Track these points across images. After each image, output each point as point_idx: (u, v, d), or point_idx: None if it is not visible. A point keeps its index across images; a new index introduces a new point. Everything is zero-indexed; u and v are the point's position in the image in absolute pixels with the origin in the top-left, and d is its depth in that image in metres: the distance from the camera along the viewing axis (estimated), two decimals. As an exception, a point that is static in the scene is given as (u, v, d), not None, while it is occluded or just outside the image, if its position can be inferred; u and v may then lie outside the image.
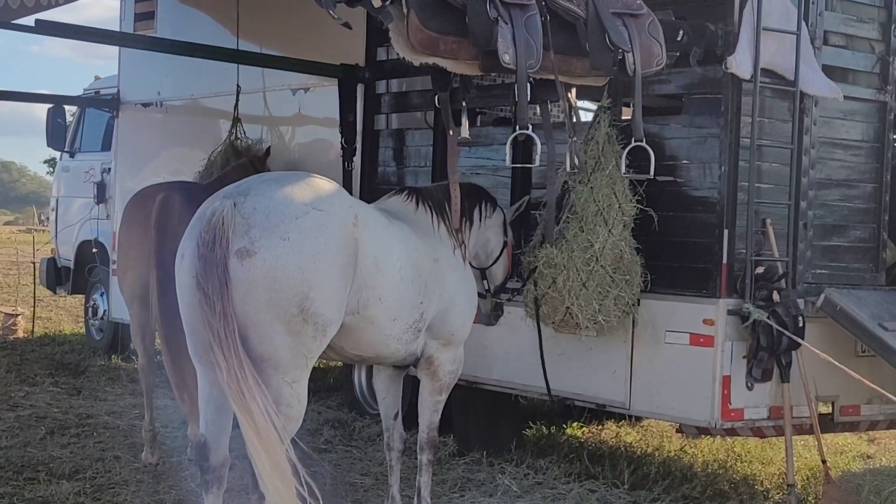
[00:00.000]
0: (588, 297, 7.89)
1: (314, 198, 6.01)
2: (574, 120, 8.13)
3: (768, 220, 7.99)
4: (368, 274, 6.21)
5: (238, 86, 11.58)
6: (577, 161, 7.88)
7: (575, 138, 8.04)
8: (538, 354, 8.50)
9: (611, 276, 7.90)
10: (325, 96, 10.77)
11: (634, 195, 7.99)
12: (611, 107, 8.21)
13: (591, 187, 7.99)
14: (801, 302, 7.93)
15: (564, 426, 10.82)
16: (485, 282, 7.80)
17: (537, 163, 7.34)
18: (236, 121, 11.57)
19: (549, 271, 7.96)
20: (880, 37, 8.71)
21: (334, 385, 11.73)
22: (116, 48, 14.12)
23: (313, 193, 6.06)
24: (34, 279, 17.74)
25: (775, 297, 7.72)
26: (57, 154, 16.72)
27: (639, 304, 8.05)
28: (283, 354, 5.80)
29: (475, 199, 7.53)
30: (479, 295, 7.64)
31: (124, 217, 9.34)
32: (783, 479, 8.40)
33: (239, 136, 11.55)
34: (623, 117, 8.33)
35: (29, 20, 9.98)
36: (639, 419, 10.84)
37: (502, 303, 8.14)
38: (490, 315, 8.06)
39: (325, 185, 6.25)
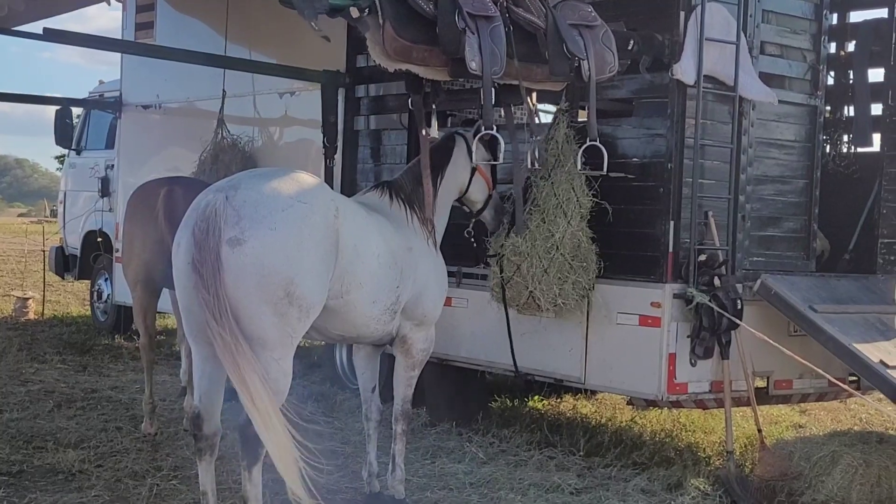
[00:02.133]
0: (549, 282, 7.89)
1: (299, 191, 6.01)
2: (535, 121, 8.13)
3: (710, 213, 8.00)
4: (349, 261, 6.20)
5: (224, 90, 11.55)
6: (537, 158, 7.90)
7: (536, 138, 8.05)
8: (504, 334, 8.51)
9: (570, 264, 7.91)
10: (308, 99, 10.74)
11: (590, 190, 8.00)
12: (569, 109, 8.21)
13: (552, 182, 7.98)
14: (739, 286, 7.96)
15: (526, 399, 10.82)
16: (465, 208, 7.71)
17: (501, 160, 7.36)
18: (221, 122, 11.54)
19: (515, 259, 7.96)
20: (812, 47, 8.74)
21: (318, 362, 11.70)
22: (119, 54, 14.04)
23: (298, 187, 6.05)
24: (44, 266, 17.67)
25: (716, 282, 7.75)
26: (65, 152, 16.61)
27: (594, 289, 8.06)
28: (271, 334, 5.79)
29: (434, 173, 7.27)
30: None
31: (129, 209, 9.28)
32: (723, 446, 8.42)
33: (224, 136, 11.52)
34: (579, 119, 8.33)
35: (37, 27, 9.90)
36: (593, 393, 10.85)
37: (472, 240, 7.97)
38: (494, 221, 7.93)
39: (308, 179, 6.24)
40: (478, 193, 7.64)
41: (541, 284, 7.91)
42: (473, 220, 7.80)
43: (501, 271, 8.08)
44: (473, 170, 7.49)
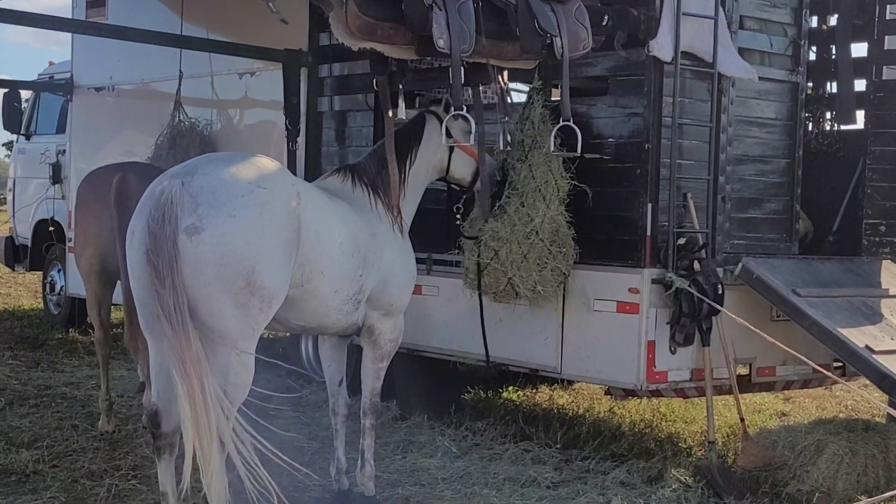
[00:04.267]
0: (528, 268, 7.92)
1: (258, 177, 5.99)
2: (507, 102, 8.13)
3: (689, 195, 8.03)
4: (311, 248, 6.19)
5: (181, 71, 11.49)
6: (509, 140, 7.89)
7: (507, 119, 8.05)
8: (477, 323, 8.52)
9: (548, 249, 7.93)
10: (270, 80, 10.70)
11: (567, 172, 8.01)
12: (542, 88, 8.20)
13: (530, 165, 7.98)
14: (720, 271, 8.00)
15: (501, 391, 10.84)
16: (454, 187, 7.72)
17: (471, 141, 7.36)
18: (178, 104, 11.48)
19: (493, 244, 7.97)
20: (793, 21, 8.77)
21: (283, 354, 11.67)
22: (70, 34, 13.93)
23: (257, 172, 6.03)
24: (-7, 257, 17.53)
25: (696, 266, 7.78)
26: (13, 137, 16.48)
27: (569, 275, 8.08)
28: (232, 326, 5.78)
29: (401, 156, 7.23)
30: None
31: (80, 196, 9.23)
32: (705, 436, 8.47)
33: (182, 119, 11.47)
34: (553, 98, 8.33)
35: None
36: (570, 383, 10.88)
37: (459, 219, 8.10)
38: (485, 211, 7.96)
39: (268, 164, 6.23)
40: (462, 170, 7.59)
41: (520, 271, 7.93)
42: (465, 195, 7.79)
43: (479, 256, 8.08)
44: (452, 148, 7.46)
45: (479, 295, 8.31)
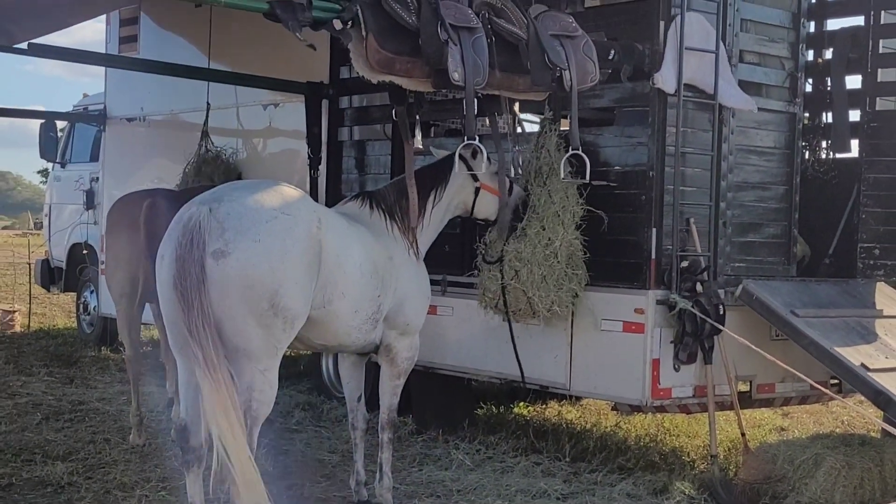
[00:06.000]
0: (547, 288, 7.93)
1: (282, 203, 6.02)
2: (519, 131, 8.16)
3: (692, 220, 8.03)
4: (332, 271, 6.22)
5: (208, 102, 11.56)
6: (519, 168, 7.92)
7: (517, 148, 8.08)
8: (488, 341, 8.53)
9: (565, 271, 7.94)
10: (293, 111, 10.75)
11: (581, 198, 8.02)
12: (553, 119, 8.24)
13: (549, 190, 8.01)
14: (721, 292, 7.99)
15: (512, 406, 10.83)
16: (479, 222, 7.73)
17: (483, 170, 7.39)
18: (204, 134, 11.54)
19: (516, 264, 7.98)
20: (790, 55, 8.79)
21: (304, 371, 11.69)
22: (103, 68, 14.02)
23: (281, 199, 6.06)
24: (30, 278, 17.58)
25: (699, 288, 7.78)
26: (49, 165, 16.56)
27: (579, 296, 8.09)
28: (256, 345, 5.81)
29: (426, 190, 7.29)
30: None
31: (110, 221, 9.26)
32: (707, 450, 8.44)
33: (208, 148, 11.51)
34: (562, 128, 8.35)
35: (23, 44, 9.88)
36: (578, 399, 10.85)
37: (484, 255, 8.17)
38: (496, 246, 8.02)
39: (291, 192, 6.26)
40: (487, 209, 7.62)
41: (539, 291, 7.94)
42: (490, 228, 7.82)
43: (502, 277, 8.09)
44: (478, 189, 7.51)
45: (508, 315, 8.29)
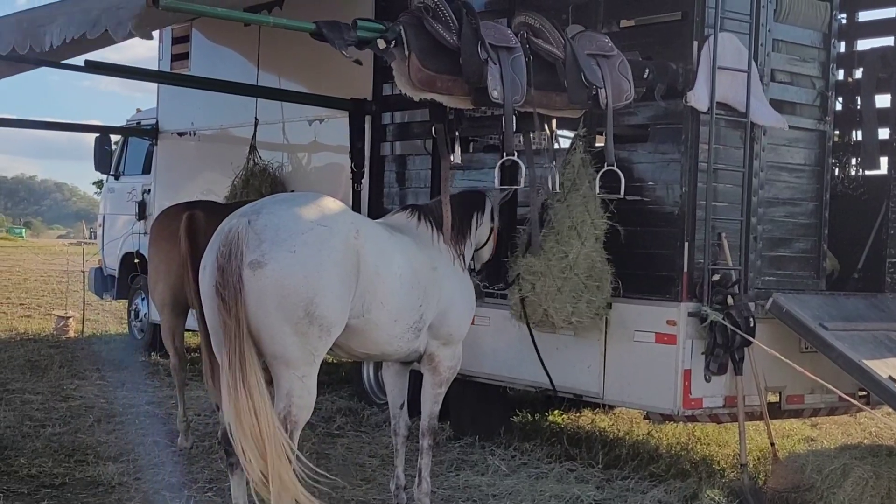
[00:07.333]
0: (563, 300, 7.90)
1: (319, 215, 6.04)
2: (555, 147, 8.16)
3: (723, 234, 7.99)
4: (370, 281, 6.20)
5: (256, 118, 11.65)
6: (557, 183, 7.92)
7: (555, 163, 8.07)
8: (523, 351, 8.51)
9: (583, 283, 7.91)
10: (337, 126, 10.79)
11: (606, 212, 8.00)
12: (586, 135, 8.23)
13: (567, 205, 8.00)
14: (752, 305, 7.93)
15: (547, 414, 10.80)
16: (472, 261, 7.70)
17: (522, 185, 7.40)
18: (253, 148, 11.61)
19: (530, 277, 7.98)
20: (821, 74, 8.73)
21: (346, 378, 11.71)
22: (156, 84, 14.14)
23: (319, 212, 6.07)
24: (84, 286, 17.75)
25: (729, 300, 7.72)
26: (104, 177, 16.72)
27: (611, 307, 8.05)
28: (293, 352, 5.83)
29: (469, 209, 7.42)
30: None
31: (153, 233, 9.31)
32: (737, 459, 8.39)
33: (256, 161, 11.58)
34: (597, 144, 8.35)
35: (79, 60, 9.99)
36: (611, 407, 10.82)
37: (485, 286, 8.17)
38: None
39: (330, 203, 6.26)
40: (486, 253, 7.73)
41: (554, 303, 7.92)
42: (474, 270, 7.81)
43: (520, 290, 8.08)
44: (491, 230, 7.60)
45: (529, 328, 8.29)
